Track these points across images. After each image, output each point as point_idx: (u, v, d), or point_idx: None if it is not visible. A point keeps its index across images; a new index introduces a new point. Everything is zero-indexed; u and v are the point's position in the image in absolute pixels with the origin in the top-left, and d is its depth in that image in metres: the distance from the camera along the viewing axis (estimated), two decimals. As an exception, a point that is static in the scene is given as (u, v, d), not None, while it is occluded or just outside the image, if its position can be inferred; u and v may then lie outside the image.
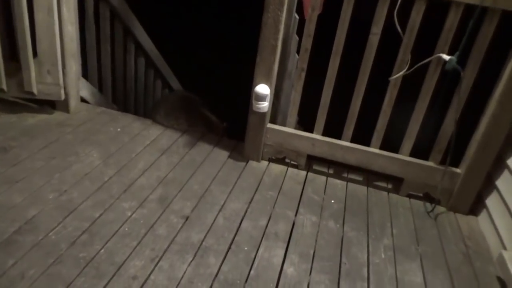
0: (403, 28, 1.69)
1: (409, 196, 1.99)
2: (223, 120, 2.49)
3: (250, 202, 1.77)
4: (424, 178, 1.92)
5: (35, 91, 2.04)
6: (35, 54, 1.98)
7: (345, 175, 2.08)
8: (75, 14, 2.09)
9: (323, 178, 2.04)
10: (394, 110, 1.87)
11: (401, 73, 1.75)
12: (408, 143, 1.91)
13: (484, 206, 1.87)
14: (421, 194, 1.98)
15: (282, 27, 1.77)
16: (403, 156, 1.93)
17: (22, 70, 1.97)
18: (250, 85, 1.90)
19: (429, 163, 1.90)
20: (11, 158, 1.77)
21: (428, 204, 1.94)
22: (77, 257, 1.34)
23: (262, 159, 2.08)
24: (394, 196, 1.98)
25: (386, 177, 2.04)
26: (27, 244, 1.36)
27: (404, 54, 1.74)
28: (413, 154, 1.93)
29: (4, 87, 2.01)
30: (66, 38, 2.02)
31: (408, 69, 1.74)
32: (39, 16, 1.90)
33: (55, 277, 1.26)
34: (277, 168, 2.06)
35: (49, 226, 1.45)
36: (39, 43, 1.96)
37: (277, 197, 1.83)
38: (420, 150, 1.95)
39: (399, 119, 1.93)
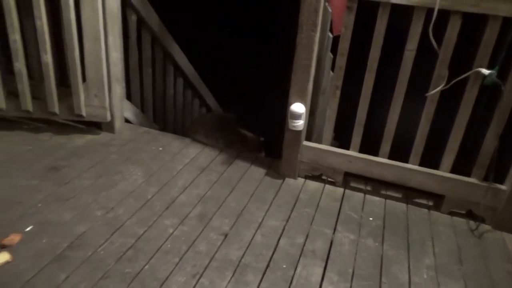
0: (438, 43, 1.68)
1: (451, 213, 1.93)
2: (259, 135, 2.54)
3: (287, 220, 1.78)
4: (466, 195, 1.86)
5: (83, 113, 2.18)
6: (83, 79, 2.13)
7: (383, 191, 2.05)
8: (120, 41, 2.23)
9: (361, 195, 2.03)
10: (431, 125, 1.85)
11: (439, 88, 1.73)
12: (448, 159, 1.87)
13: (532, 224, 1.79)
14: (463, 212, 1.92)
15: (316, 47, 1.80)
16: (443, 172, 1.88)
17: (72, 94, 2.12)
18: (285, 103, 1.94)
19: (471, 180, 1.85)
20: (62, 177, 1.90)
21: (471, 222, 1.88)
22: (123, 273, 1.41)
23: (299, 176, 2.10)
24: (434, 213, 1.94)
25: (426, 194, 2.00)
26: (77, 259, 1.44)
27: (441, 69, 1.72)
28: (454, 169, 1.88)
29: (57, 110, 2.16)
30: (111, 64, 2.16)
31: (446, 84, 1.71)
32: (87, 45, 2.05)
33: (103, 292, 1.33)
34: (313, 185, 2.07)
35: (97, 242, 1.53)
36: (87, 70, 2.11)
37: (314, 215, 1.84)
38: (461, 166, 1.90)
39: (435, 133, 1.90)
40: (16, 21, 1.96)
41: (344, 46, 1.81)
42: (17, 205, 1.67)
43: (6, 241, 1.47)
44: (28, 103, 2.13)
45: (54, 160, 2.02)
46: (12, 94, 2.14)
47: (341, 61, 1.85)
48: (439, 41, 1.68)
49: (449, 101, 1.81)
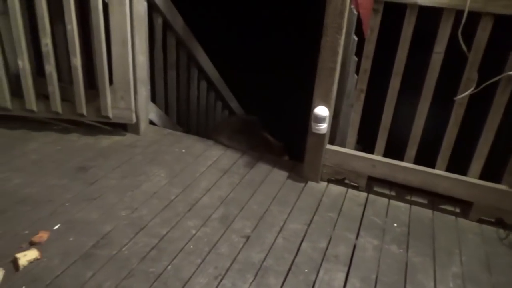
0: (468, 46, 1.64)
1: (480, 221, 1.87)
2: (280, 140, 2.54)
3: (309, 223, 1.77)
4: (496, 202, 1.80)
5: (110, 115, 2.23)
6: (110, 82, 2.18)
7: (408, 197, 2.01)
8: (146, 45, 2.27)
9: (385, 200, 1.99)
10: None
11: (468, 92, 1.69)
12: (477, 164, 1.82)
13: None
14: (493, 220, 1.85)
15: (340, 50, 1.79)
16: (472, 179, 1.83)
17: (100, 97, 2.18)
18: (308, 106, 1.93)
19: (502, 186, 1.79)
20: (89, 177, 1.95)
21: (501, 231, 1.82)
22: (147, 272, 1.43)
23: (321, 180, 2.08)
24: (462, 220, 1.88)
25: (453, 200, 1.94)
26: (103, 258, 1.48)
27: (470, 72, 1.67)
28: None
29: (84, 112, 2.22)
30: (137, 67, 2.21)
31: (476, 88, 1.67)
32: (115, 48, 2.10)
33: (127, 290, 1.36)
34: (336, 189, 2.05)
35: (122, 242, 1.56)
36: (114, 72, 2.16)
37: (337, 219, 1.82)
38: (490, 172, 1.85)
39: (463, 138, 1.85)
40: (47, 25, 2.03)
41: (369, 48, 1.79)
42: (48, 203, 1.73)
43: (36, 238, 1.52)
44: (57, 105, 2.20)
45: (82, 160, 2.07)
46: (43, 96, 2.22)
47: (366, 64, 1.82)
48: (468, 43, 1.63)
49: (478, 105, 1.77)
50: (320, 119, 1.87)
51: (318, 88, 1.88)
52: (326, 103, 1.87)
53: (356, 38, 1.96)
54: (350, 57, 2.01)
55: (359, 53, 1.92)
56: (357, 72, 2.03)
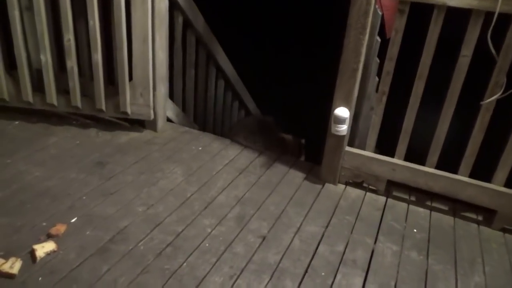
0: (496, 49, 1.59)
1: (503, 230, 1.81)
2: (300, 137, 2.51)
3: (326, 226, 1.74)
4: (522, 211, 1.74)
5: (129, 111, 2.24)
6: (130, 78, 2.19)
7: (428, 203, 1.96)
8: (166, 42, 2.28)
9: (404, 205, 1.95)
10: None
11: (495, 96, 1.63)
12: (502, 172, 1.76)
13: None
14: (517, 229, 1.80)
15: (363, 51, 1.76)
16: (496, 186, 1.77)
17: (119, 93, 2.19)
18: (326, 108, 1.90)
19: (528, 195, 1.73)
20: (107, 172, 1.95)
21: (526, 241, 1.76)
22: (162, 269, 1.42)
23: (339, 182, 2.05)
24: (485, 229, 1.82)
25: (476, 208, 1.89)
26: (119, 253, 1.48)
27: (498, 76, 1.62)
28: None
29: (103, 107, 2.23)
30: (157, 64, 2.21)
31: (503, 92, 1.61)
32: (136, 45, 2.11)
33: (142, 286, 1.35)
34: (354, 192, 2.01)
35: (138, 237, 1.56)
36: (134, 69, 2.17)
37: (354, 223, 1.78)
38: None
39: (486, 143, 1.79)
40: (70, 21, 2.05)
41: (393, 50, 1.75)
42: (66, 197, 1.74)
43: (53, 231, 1.53)
44: (77, 100, 2.22)
45: (101, 155, 2.08)
46: (64, 91, 2.24)
47: (390, 66, 1.79)
48: (497, 47, 1.58)
49: (504, 110, 1.71)
50: (341, 120, 1.84)
51: (339, 89, 1.85)
52: (347, 105, 1.84)
53: (379, 39, 1.93)
54: (373, 58, 1.97)
55: (380, 55, 1.88)
56: (378, 74, 2.00)
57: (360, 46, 1.73)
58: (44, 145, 2.11)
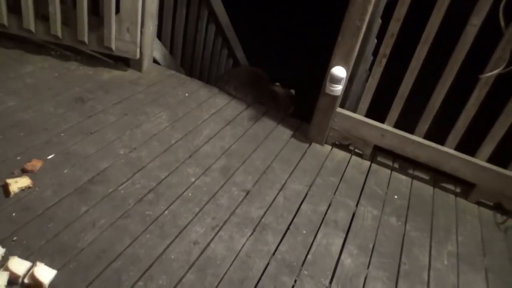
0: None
1: (479, 203, 1.86)
2: (289, 88, 2.45)
3: (311, 185, 1.73)
4: (500, 187, 1.78)
5: (113, 47, 2.09)
6: (117, 10, 2.02)
7: (410, 171, 1.98)
8: (159, -25, 2.09)
9: (387, 171, 1.96)
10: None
11: (496, 71, 1.60)
12: (488, 147, 1.78)
13: None
14: (491, 203, 1.85)
15: (370, 8, 1.67)
16: (480, 161, 1.80)
17: (104, 25, 2.03)
18: (318, 68, 1.83)
19: (508, 172, 1.76)
20: (88, 109, 1.85)
21: (498, 215, 1.82)
22: (143, 214, 1.39)
23: (326, 143, 2.03)
24: (461, 201, 1.87)
25: (455, 180, 1.92)
26: (98, 194, 1.42)
27: (503, 51, 1.58)
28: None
29: (86, 39, 2.07)
30: (147, -2, 2.04)
31: (506, 67, 1.58)
32: (126, -27, 1.93)
33: (122, 230, 1.31)
34: (340, 154, 2.00)
35: (119, 180, 1.50)
36: (122, 0, 1.99)
37: (338, 184, 1.79)
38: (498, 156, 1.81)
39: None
40: None
41: (401, 11, 1.66)
42: (43, 131, 1.64)
43: (28, 166, 1.45)
44: (57, 28, 2.04)
45: (81, 91, 1.96)
46: (43, 17, 2.05)
47: (395, 27, 1.71)
48: (507, 19, 1.53)
49: (498, 86, 1.70)
50: (337, 80, 1.78)
51: (339, 47, 1.77)
52: (345, 64, 1.78)
53: (386, -1, 1.84)
54: (376, 19, 1.89)
55: (383, 16, 1.80)
56: (377, 36, 1.93)
57: (367, 2, 1.64)
58: (19, 73, 1.96)
